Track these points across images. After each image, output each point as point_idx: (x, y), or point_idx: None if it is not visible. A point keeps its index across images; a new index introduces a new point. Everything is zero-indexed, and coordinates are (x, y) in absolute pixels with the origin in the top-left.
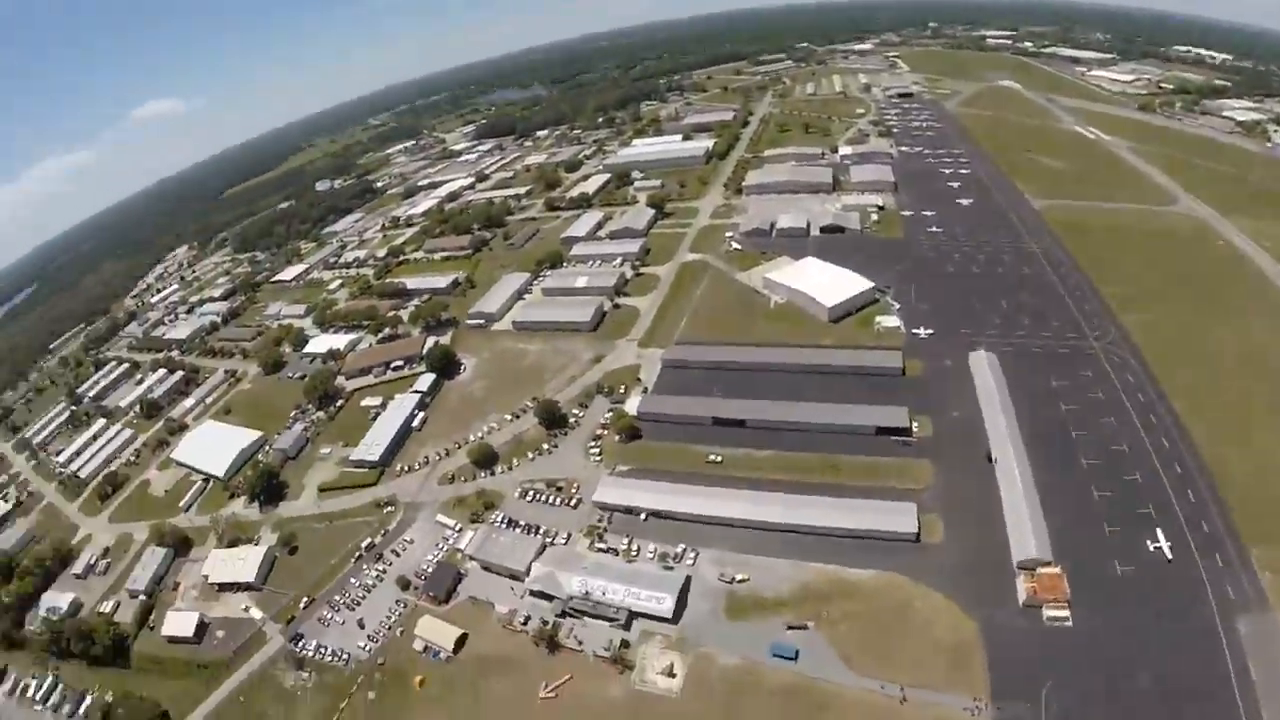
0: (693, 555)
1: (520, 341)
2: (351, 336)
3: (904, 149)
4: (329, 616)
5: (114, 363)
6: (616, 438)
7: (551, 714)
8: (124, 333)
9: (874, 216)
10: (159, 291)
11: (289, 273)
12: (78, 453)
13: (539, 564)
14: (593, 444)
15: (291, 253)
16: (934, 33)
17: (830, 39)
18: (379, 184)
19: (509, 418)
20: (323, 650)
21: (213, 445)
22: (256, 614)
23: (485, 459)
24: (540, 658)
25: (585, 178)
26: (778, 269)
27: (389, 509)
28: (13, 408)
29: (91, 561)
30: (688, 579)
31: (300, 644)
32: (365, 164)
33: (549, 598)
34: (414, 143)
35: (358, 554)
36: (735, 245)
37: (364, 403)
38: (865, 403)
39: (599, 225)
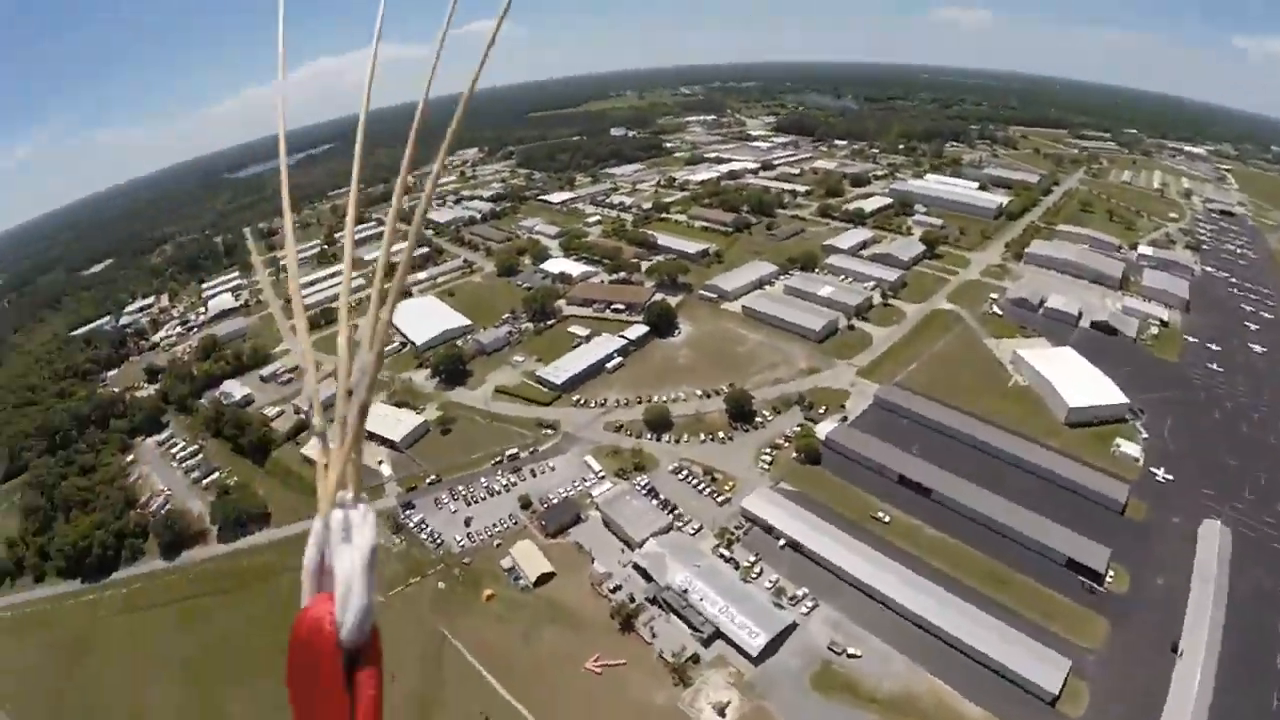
0: (810, 605)
1: (743, 327)
2: (587, 269)
3: (1208, 269)
4: (445, 502)
5: (375, 223)
6: (795, 455)
7: (584, 686)
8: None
9: (1153, 329)
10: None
11: (556, 197)
12: (312, 283)
13: (655, 542)
14: (768, 451)
15: (566, 180)
16: (1276, 157)
17: (1163, 133)
18: (669, 144)
19: (699, 394)
20: (423, 527)
21: (424, 317)
22: (386, 470)
23: (658, 423)
24: (608, 630)
25: (867, 196)
26: (1031, 348)
27: (547, 432)
28: (277, 230)
29: (277, 372)
30: (793, 626)
31: (407, 512)
32: (663, 124)
33: (648, 578)
34: (714, 118)
35: (499, 459)
36: (996, 310)
37: (572, 329)
38: (1068, 526)
39: (864, 244)
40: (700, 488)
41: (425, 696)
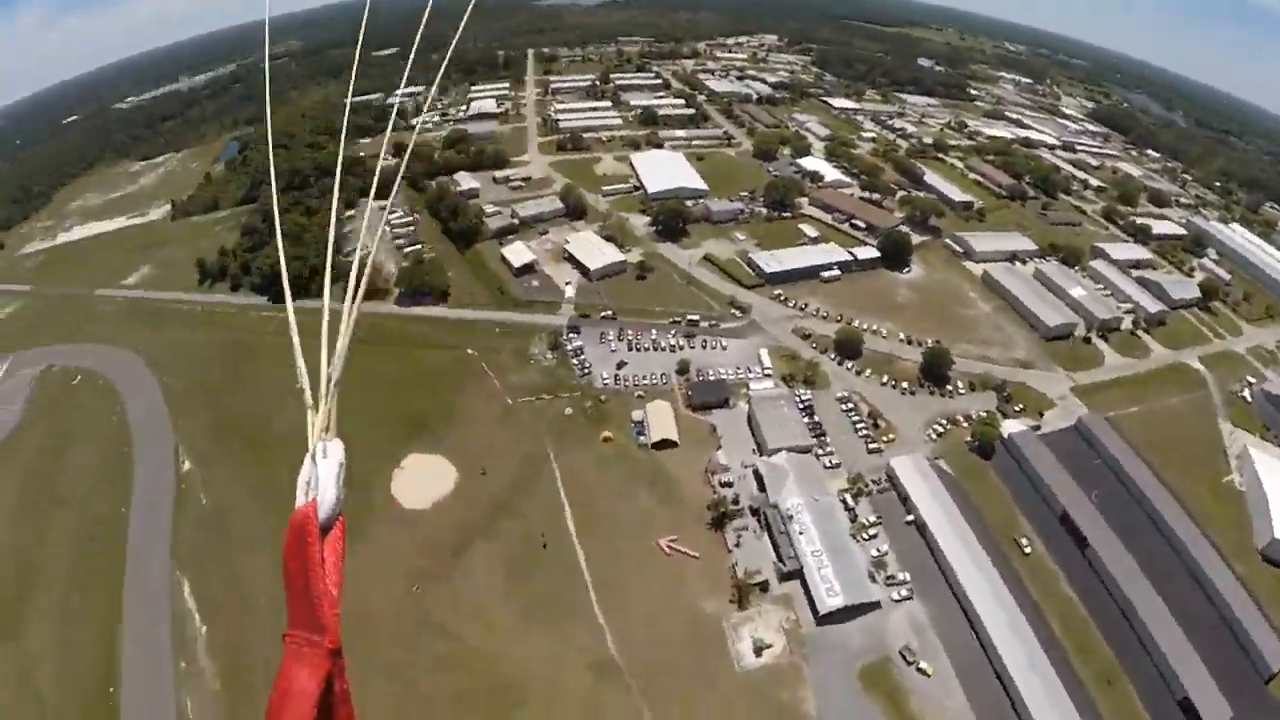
0: (905, 594)
1: (975, 291)
2: (842, 177)
3: None
4: (609, 339)
5: (653, 74)
6: (968, 438)
7: (644, 558)
8: (681, 62)
9: None
10: (730, 50)
11: (839, 103)
12: (569, 111)
13: (785, 457)
14: (943, 423)
15: (855, 90)
16: None
17: None
18: (973, 91)
19: (901, 338)
20: (578, 353)
21: (663, 168)
22: (569, 292)
23: (847, 346)
24: (697, 519)
25: (1160, 217)
26: (1265, 452)
27: (735, 313)
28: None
29: (510, 177)
30: (875, 605)
31: (570, 335)
32: (974, 71)
33: (761, 488)
34: (1029, 82)
35: (678, 320)
36: (1246, 395)
37: (802, 227)
38: (1205, 662)
39: (1137, 263)
40: (858, 427)
41: (502, 500)
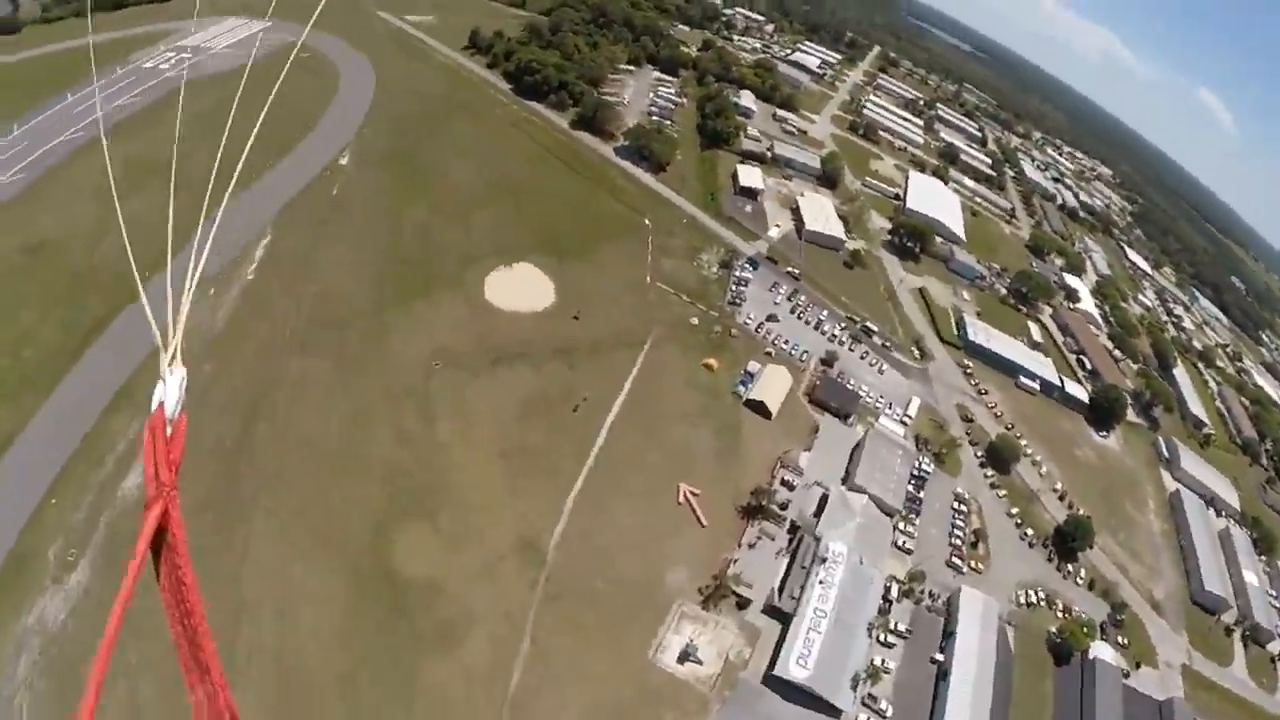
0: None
1: (1156, 505)
2: (1095, 314)
3: None
4: (779, 291)
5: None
6: (1052, 629)
7: (655, 487)
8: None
9: None
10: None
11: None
12: (880, 106)
13: (862, 503)
14: (1038, 597)
15: (1158, 261)
16: None
17: None
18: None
19: (1056, 489)
20: (740, 284)
21: (939, 198)
22: (774, 234)
23: (998, 456)
24: (732, 494)
25: None
26: None
27: (915, 353)
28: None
29: (788, 120)
30: (835, 712)
31: (743, 265)
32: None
33: (818, 513)
34: None
35: (855, 319)
36: None
37: (1030, 325)
38: None
39: None
40: (955, 532)
41: (572, 347)
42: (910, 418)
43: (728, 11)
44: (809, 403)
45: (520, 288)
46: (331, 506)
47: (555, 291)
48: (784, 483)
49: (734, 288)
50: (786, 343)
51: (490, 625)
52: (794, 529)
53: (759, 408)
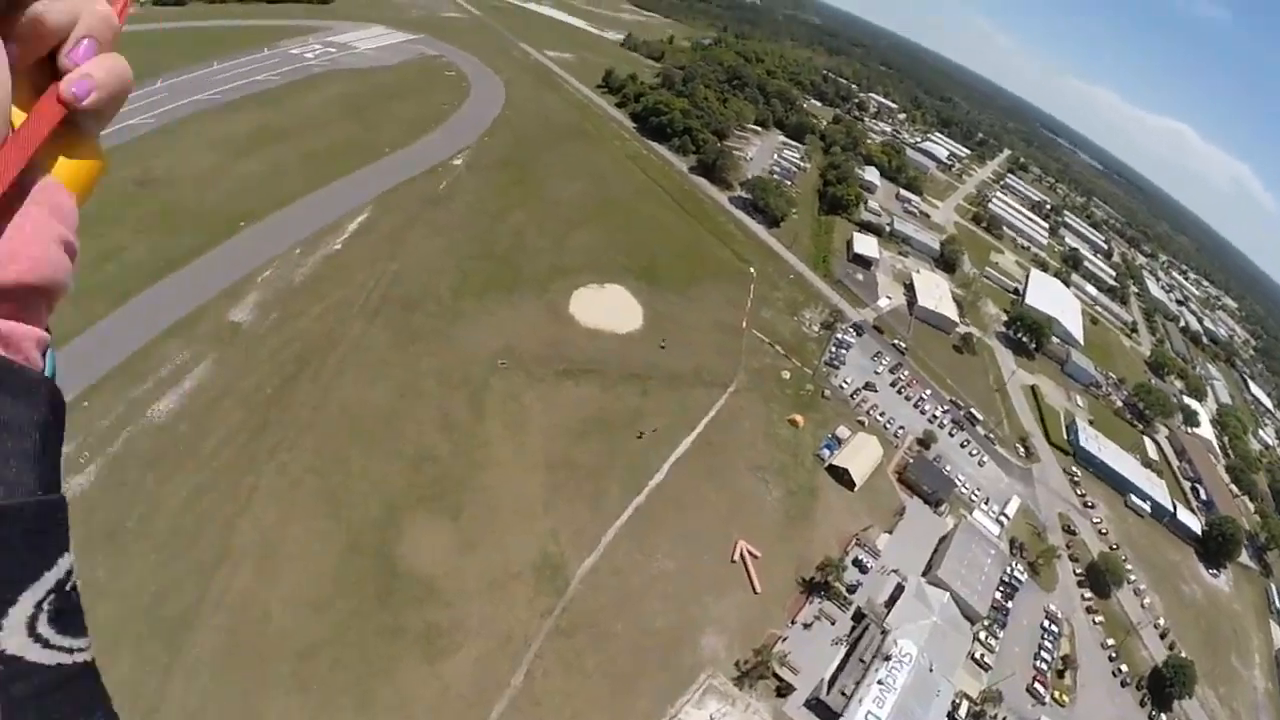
0: None
1: (1263, 659)
2: (1214, 442)
3: None
4: (881, 362)
5: (1103, 238)
6: None
7: (709, 534)
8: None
9: None
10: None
11: (1257, 390)
12: (1006, 204)
13: (942, 600)
14: None
15: None
16: None
17: None
18: None
19: (1159, 625)
20: (840, 347)
21: (1060, 300)
22: (883, 304)
23: (1098, 577)
24: (794, 564)
25: None
26: None
27: (1020, 450)
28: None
29: (910, 200)
30: None
31: (849, 330)
32: None
33: (890, 604)
34: None
35: (958, 404)
36: None
37: (1146, 441)
38: None
39: None
40: (1041, 656)
41: (648, 373)
42: (1007, 518)
43: (862, 95)
44: (898, 482)
45: (608, 307)
46: (349, 475)
47: (644, 318)
48: (856, 563)
49: (834, 349)
50: (882, 414)
51: (484, 645)
52: (859, 617)
53: (842, 475)
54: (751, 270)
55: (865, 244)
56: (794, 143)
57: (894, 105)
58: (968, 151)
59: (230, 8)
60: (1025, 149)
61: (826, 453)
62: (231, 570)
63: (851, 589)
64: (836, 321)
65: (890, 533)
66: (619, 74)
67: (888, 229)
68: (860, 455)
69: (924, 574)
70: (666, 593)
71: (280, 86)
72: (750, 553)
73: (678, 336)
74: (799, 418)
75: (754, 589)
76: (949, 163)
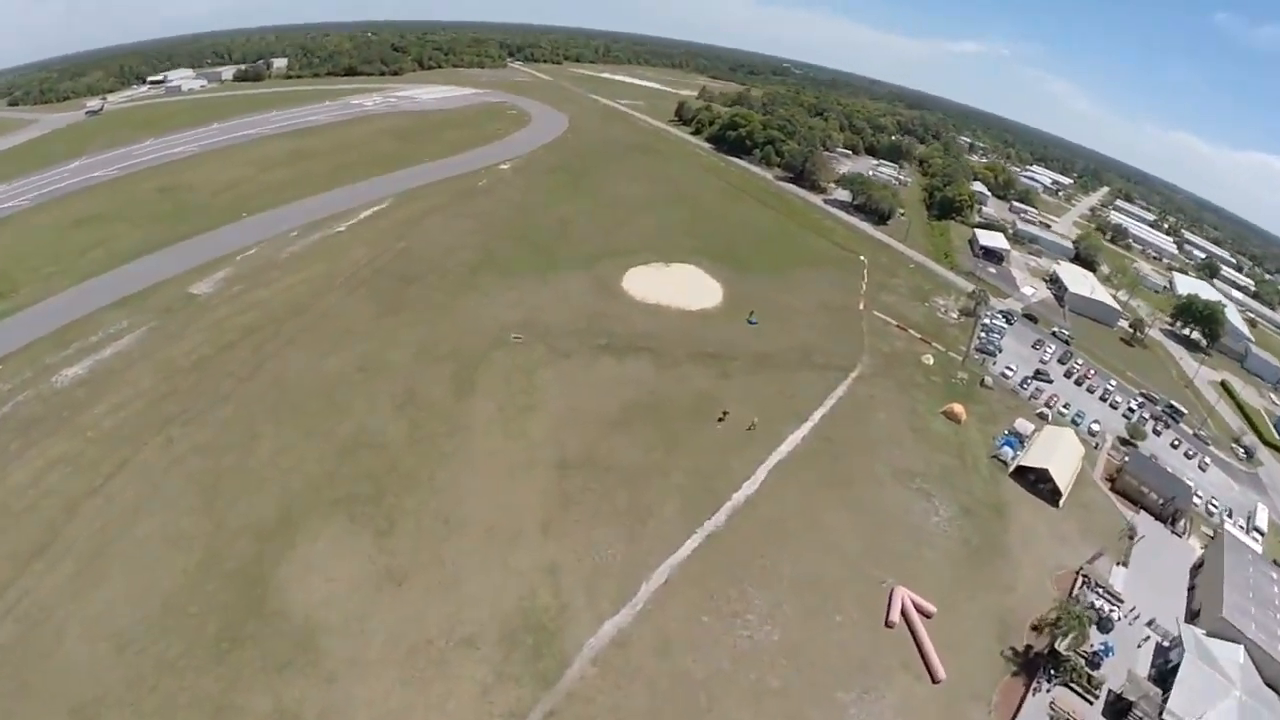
0: None
1: None
2: None
3: None
4: (1044, 349)
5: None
6: None
7: (846, 575)
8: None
9: None
10: None
11: None
12: (1130, 216)
13: (1236, 656)
14: None
15: None
16: None
17: None
18: None
19: None
20: (991, 333)
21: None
22: (1028, 292)
23: None
24: (993, 626)
25: None
26: None
27: (1238, 451)
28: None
29: (1026, 210)
30: None
31: (998, 316)
32: None
33: (1162, 684)
34: None
35: (1151, 397)
36: None
37: None
38: None
39: None
40: None
41: (745, 352)
42: (1261, 532)
43: (950, 135)
44: (1112, 491)
45: (674, 284)
46: (249, 458)
47: (723, 296)
48: (1090, 608)
49: (983, 335)
50: (1066, 407)
51: None
52: (1120, 708)
53: (1038, 482)
54: (861, 258)
55: (992, 238)
56: (889, 163)
57: (984, 145)
58: (1070, 180)
59: (303, 81)
60: (1124, 184)
61: (1008, 452)
62: (47, 567)
63: (1095, 659)
64: (980, 305)
65: (1124, 564)
66: (691, 105)
67: (1011, 229)
68: (1058, 454)
69: (1190, 620)
70: (765, 687)
71: (329, 123)
72: (919, 609)
73: (772, 315)
74: (959, 408)
75: (932, 675)
76: (1054, 188)
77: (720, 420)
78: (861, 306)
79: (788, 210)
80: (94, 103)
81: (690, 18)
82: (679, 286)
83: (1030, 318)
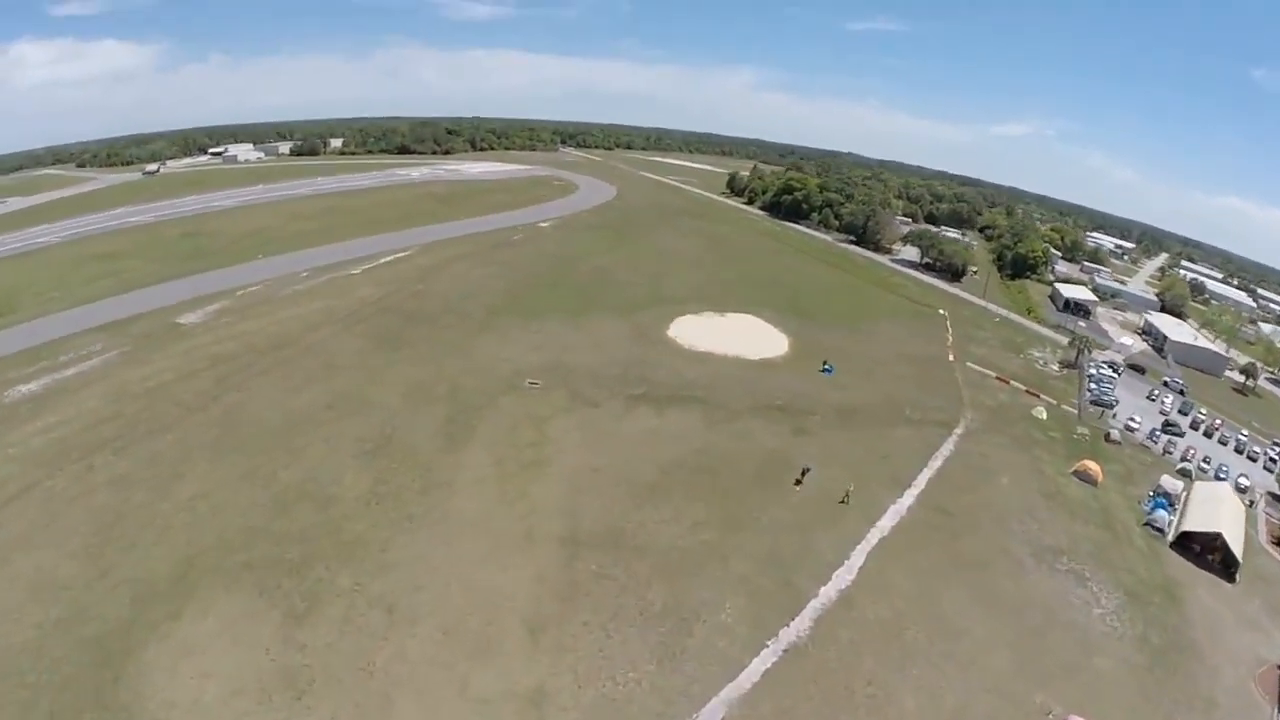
0: None
1: None
2: None
3: None
4: (1161, 401)
5: None
6: None
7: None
8: None
9: None
10: None
11: None
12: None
13: None
14: None
15: None
16: None
17: None
18: None
19: None
20: (1101, 383)
21: None
22: (1128, 341)
23: None
24: None
25: None
26: None
27: None
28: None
29: (1099, 268)
30: None
31: (1104, 367)
32: None
33: None
34: None
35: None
36: None
37: None
38: None
39: None
40: None
41: (820, 403)
42: None
43: (1015, 206)
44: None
45: (730, 333)
46: (165, 500)
47: (790, 345)
48: None
49: (1093, 387)
50: (1207, 461)
51: None
52: None
53: (1204, 552)
54: (940, 311)
55: (1076, 291)
56: (952, 229)
57: (1040, 215)
58: (1132, 245)
59: (358, 156)
60: (1181, 248)
61: (1162, 517)
62: None
63: None
64: (1081, 354)
65: None
66: (743, 177)
67: (1091, 284)
68: (1225, 516)
69: None
70: None
71: (368, 187)
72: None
73: (849, 365)
74: (1094, 465)
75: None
76: (1118, 251)
77: (798, 483)
78: (951, 358)
79: (852, 267)
80: (152, 166)
81: (739, 118)
82: (736, 335)
83: (1137, 368)
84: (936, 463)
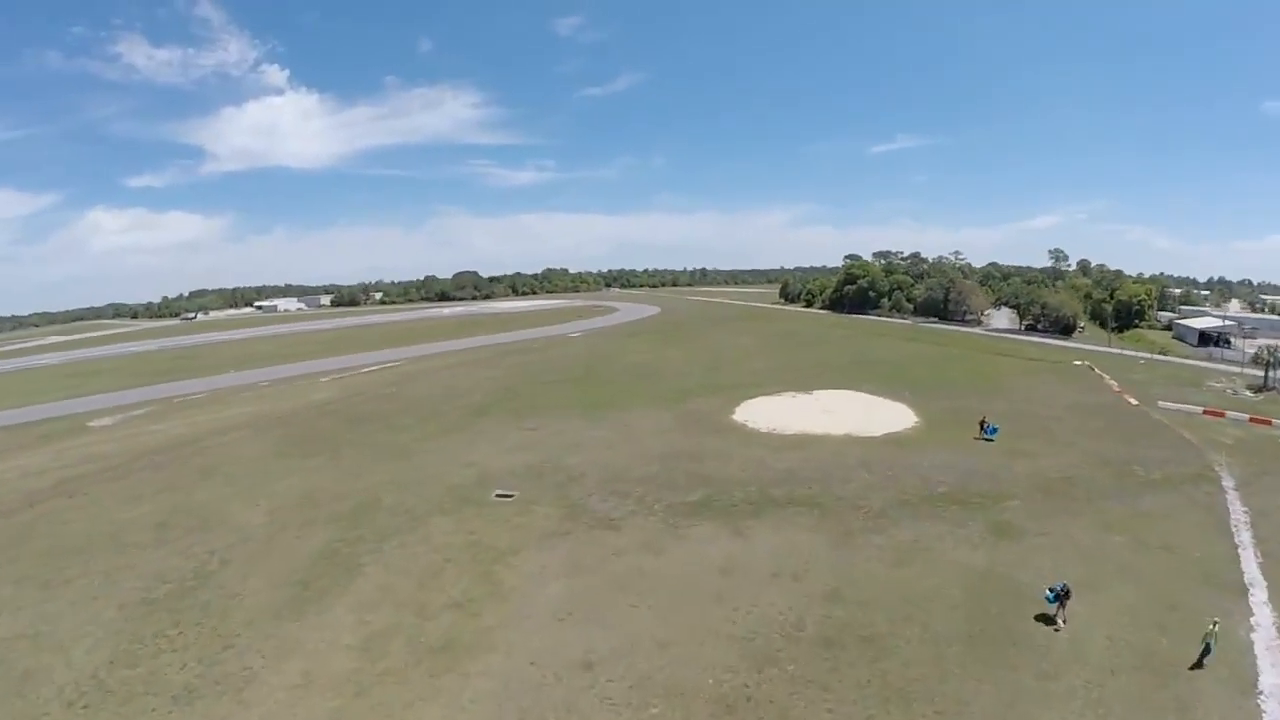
0: None
1: None
2: None
3: None
4: None
5: None
6: None
7: None
8: None
9: None
10: None
11: None
12: None
13: None
14: None
15: None
16: None
17: None
18: None
19: None
20: None
21: None
22: None
23: None
24: None
25: None
26: None
27: None
28: None
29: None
30: None
31: None
32: None
33: None
34: None
35: None
36: None
37: None
38: None
39: None
40: None
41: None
42: None
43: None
44: None
45: (826, 411)
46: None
47: (918, 416)
48: None
49: None
50: None
51: None
52: None
53: None
54: (1077, 363)
55: (1206, 322)
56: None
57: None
58: (1207, 293)
59: (398, 305)
60: (1251, 290)
61: None
62: None
63: None
64: (1267, 378)
65: None
66: (796, 285)
67: (1215, 319)
68: None
69: None
70: None
71: (392, 320)
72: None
73: (1013, 427)
74: None
75: None
76: (1198, 297)
77: (1053, 625)
78: (1134, 401)
79: (947, 340)
80: (190, 313)
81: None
82: (836, 413)
83: None
84: (1243, 535)
